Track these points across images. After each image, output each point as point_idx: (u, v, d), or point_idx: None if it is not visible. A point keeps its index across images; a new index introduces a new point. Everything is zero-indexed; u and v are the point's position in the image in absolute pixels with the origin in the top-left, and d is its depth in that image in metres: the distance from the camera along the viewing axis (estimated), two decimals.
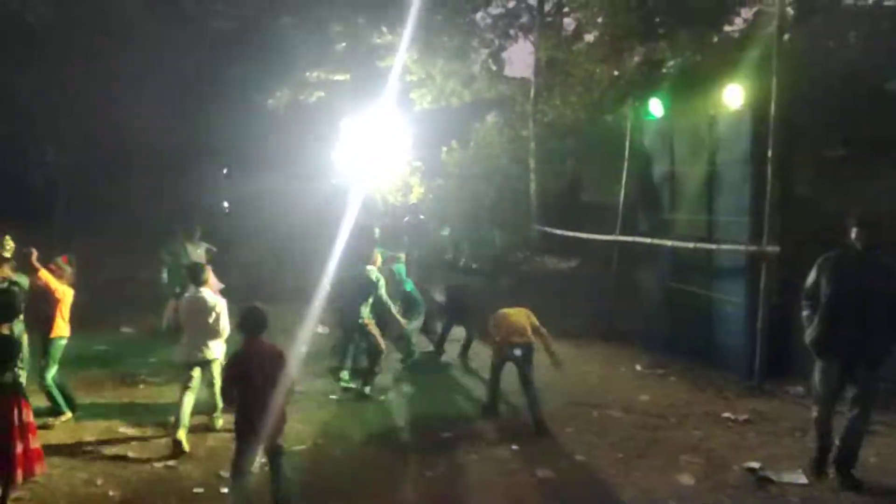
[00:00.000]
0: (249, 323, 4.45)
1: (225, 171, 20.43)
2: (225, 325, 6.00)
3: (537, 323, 6.61)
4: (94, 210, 17.17)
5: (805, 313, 5.18)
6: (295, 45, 14.71)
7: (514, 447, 5.82)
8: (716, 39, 11.55)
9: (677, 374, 8.10)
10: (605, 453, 5.72)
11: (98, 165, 17.65)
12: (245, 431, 4.34)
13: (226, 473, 5.17)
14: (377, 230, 8.24)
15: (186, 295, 6.21)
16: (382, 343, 7.32)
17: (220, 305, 6.01)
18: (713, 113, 8.40)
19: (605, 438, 6.06)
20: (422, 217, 13.19)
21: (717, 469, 5.34)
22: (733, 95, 7.98)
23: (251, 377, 4.32)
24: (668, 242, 8.85)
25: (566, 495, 4.92)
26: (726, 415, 6.59)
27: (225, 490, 4.91)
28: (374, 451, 5.79)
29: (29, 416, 4.60)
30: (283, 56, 14.82)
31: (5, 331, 4.54)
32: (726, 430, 6.26)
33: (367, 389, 7.17)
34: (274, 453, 4.46)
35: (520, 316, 6.61)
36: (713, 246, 8.13)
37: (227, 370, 4.57)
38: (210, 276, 6.50)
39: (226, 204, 20.72)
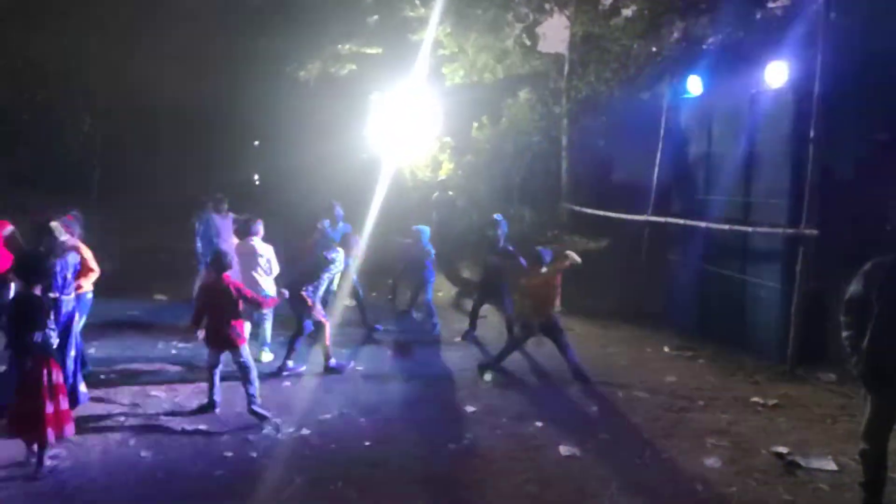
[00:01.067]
0: (217, 265, 5.82)
1: (256, 143, 20.59)
2: (275, 268, 7.37)
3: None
4: (127, 181, 17.49)
5: (846, 334, 4.19)
6: (327, 17, 14.63)
7: (539, 424, 5.82)
8: (759, 16, 11.18)
9: (706, 357, 8.00)
10: (630, 433, 5.70)
11: (132, 137, 17.92)
12: (210, 340, 5.85)
13: (254, 438, 5.30)
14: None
15: (238, 243, 7.52)
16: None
17: (269, 251, 7.34)
18: (754, 91, 8.17)
19: (630, 419, 6.03)
20: (450, 193, 13.14)
21: (744, 453, 5.28)
22: (776, 74, 7.77)
23: (216, 303, 5.73)
24: (703, 224, 8.68)
25: (591, 474, 4.90)
26: (756, 399, 6.50)
27: (254, 454, 5.02)
28: (398, 423, 5.83)
29: (59, 378, 4.69)
30: (315, 28, 14.76)
31: (36, 292, 4.64)
32: (755, 414, 6.18)
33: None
34: (235, 357, 5.76)
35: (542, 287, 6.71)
36: (749, 228, 7.96)
37: (198, 299, 6.00)
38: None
39: (256, 176, 20.92)
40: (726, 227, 8.25)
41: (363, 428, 5.68)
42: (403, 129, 13.69)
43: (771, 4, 11.10)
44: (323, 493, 4.49)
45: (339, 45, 14.79)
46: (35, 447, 4.55)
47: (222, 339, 5.76)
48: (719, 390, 6.84)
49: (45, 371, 4.55)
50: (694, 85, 9.14)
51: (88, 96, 17.12)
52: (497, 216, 8.78)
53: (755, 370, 7.42)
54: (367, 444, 5.35)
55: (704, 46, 9.88)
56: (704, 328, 8.71)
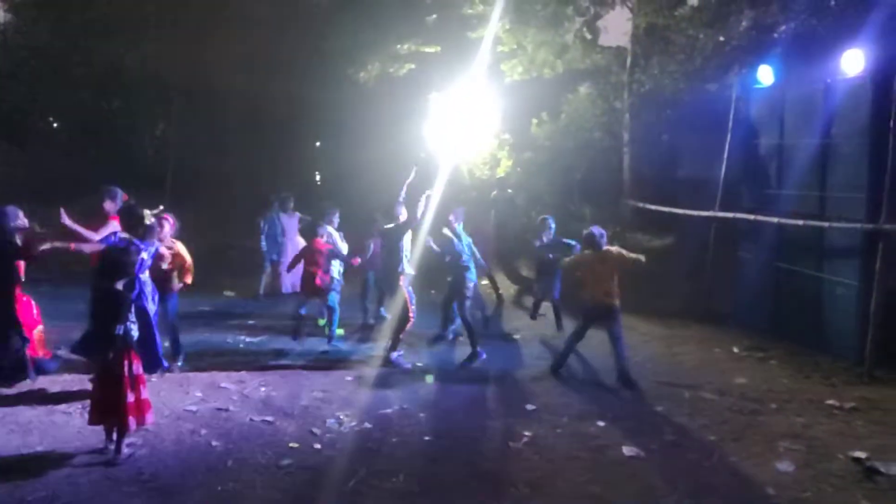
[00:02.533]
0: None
1: (318, 144, 21.01)
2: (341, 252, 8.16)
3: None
4: (197, 181, 18.17)
5: None
6: (386, 18, 14.78)
7: (601, 423, 5.73)
8: (833, 2, 10.65)
9: (778, 358, 7.69)
10: (696, 435, 5.53)
11: (202, 139, 18.61)
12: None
13: (318, 430, 5.42)
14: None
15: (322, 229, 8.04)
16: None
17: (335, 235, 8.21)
18: (829, 81, 7.80)
19: (697, 420, 5.85)
20: (509, 191, 13.06)
21: (819, 457, 5.05)
22: (853, 62, 7.39)
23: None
24: (775, 219, 8.34)
25: (656, 476, 4.79)
26: (831, 402, 6.21)
27: (318, 446, 5.13)
28: (457, 418, 5.85)
29: (139, 369, 4.91)
30: (375, 29, 14.93)
31: (119, 286, 4.86)
32: (831, 417, 5.91)
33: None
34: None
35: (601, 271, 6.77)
36: (825, 224, 7.61)
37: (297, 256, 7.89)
38: None
39: (317, 176, 21.37)
40: (800, 222, 7.91)
41: (423, 423, 5.72)
42: (461, 127, 13.68)
43: None
44: (385, 486, 4.55)
45: (398, 45, 14.91)
46: (115, 435, 4.78)
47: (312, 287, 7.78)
48: (792, 392, 6.56)
49: (126, 362, 4.77)
50: (765, 75, 8.79)
51: (162, 101, 17.88)
52: (547, 217, 8.69)
53: (831, 372, 7.11)
54: (427, 438, 5.39)
55: (775, 35, 9.47)
56: (776, 328, 8.38)
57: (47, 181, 14.45)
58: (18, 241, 5.96)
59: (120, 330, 4.73)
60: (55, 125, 22.05)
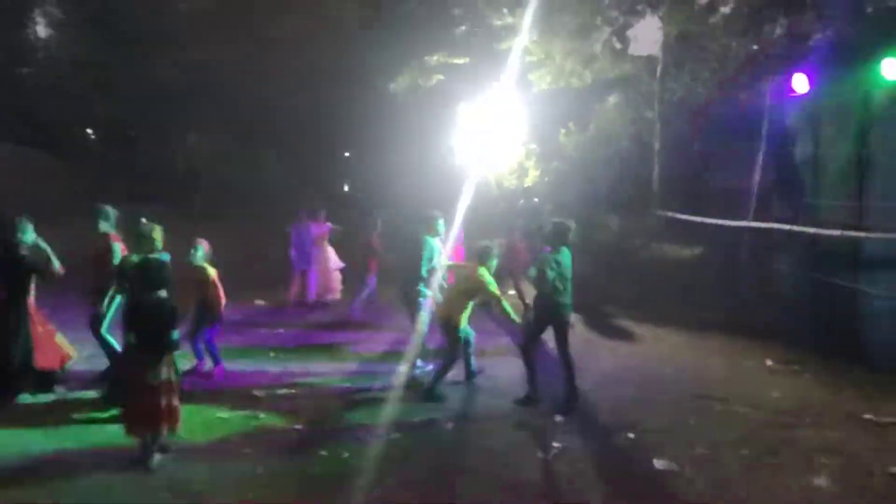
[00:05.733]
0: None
1: (347, 154, 21.27)
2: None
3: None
4: (227, 191, 18.51)
5: None
6: (416, 31, 14.94)
7: (631, 435, 5.65)
8: (870, 9, 10.44)
9: (813, 371, 7.51)
10: (729, 449, 5.42)
11: (232, 150, 18.97)
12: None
13: (346, 439, 5.43)
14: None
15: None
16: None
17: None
18: (867, 89, 7.64)
19: (729, 434, 5.73)
20: (536, 200, 13.05)
21: (857, 473, 4.92)
22: (891, 69, 7.22)
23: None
24: (810, 230, 8.18)
25: (688, 489, 4.71)
26: (869, 416, 6.05)
27: (346, 455, 5.15)
28: (485, 429, 5.81)
29: (175, 375, 5.01)
30: (405, 42, 15.10)
31: (162, 294, 4.97)
32: (868, 432, 5.75)
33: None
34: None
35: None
36: (863, 234, 7.43)
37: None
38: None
39: (346, 185, 21.61)
40: (837, 232, 7.74)
41: (451, 433, 5.72)
42: (489, 137, 13.71)
43: None
44: (414, 496, 4.55)
45: (428, 57, 15.04)
46: (149, 441, 4.86)
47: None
48: (828, 406, 6.40)
49: (164, 369, 4.86)
50: (799, 83, 8.64)
51: (195, 113, 18.28)
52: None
53: (867, 385, 6.91)
54: (455, 448, 5.38)
55: (810, 43, 9.31)
56: (812, 340, 8.19)
57: (84, 191, 14.84)
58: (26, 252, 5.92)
59: (175, 336, 4.84)
60: (92, 136, 22.70)
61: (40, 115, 19.09)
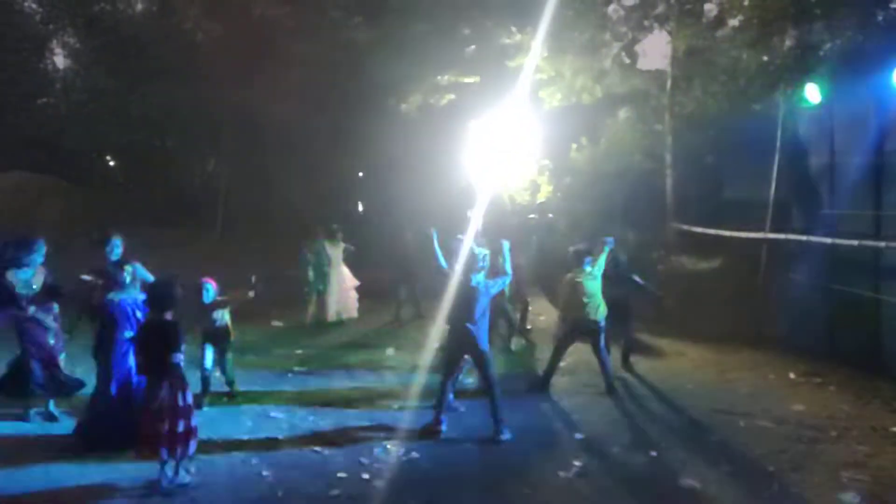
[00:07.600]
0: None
1: (360, 174, 21.42)
2: None
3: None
4: (244, 213, 18.70)
5: None
6: (426, 51, 15.07)
7: (653, 453, 5.59)
8: (881, 17, 10.38)
9: (836, 384, 7.40)
10: (754, 465, 5.35)
11: (248, 173, 19.19)
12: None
13: (366, 460, 5.43)
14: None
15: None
16: None
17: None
18: (880, 97, 7.60)
19: (754, 449, 5.66)
20: (550, 216, 13.04)
21: (886, 488, 4.84)
22: None
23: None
24: (828, 240, 8.10)
25: None
26: (895, 429, 5.95)
27: (366, 476, 5.14)
28: (506, 447, 5.78)
29: (189, 398, 5.01)
30: (416, 61, 15.23)
31: (169, 317, 5.00)
32: None
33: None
34: None
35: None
36: (882, 244, 7.35)
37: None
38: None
39: (360, 206, 21.74)
40: (855, 242, 7.66)
41: (471, 452, 5.69)
42: (501, 154, 13.77)
43: (894, 5, 10.26)
44: None
45: (438, 77, 15.15)
46: (168, 464, 4.88)
47: None
48: (854, 420, 6.30)
49: (179, 392, 4.89)
50: (812, 93, 8.62)
51: (212, 138, 18.54)
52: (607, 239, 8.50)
53: (893, 397, 6.81)
54: (476, 468, 5.35)
55: (821, 53, 9.29)
56: (834, 352, 8.08)
57: (104, 218, 15.04)
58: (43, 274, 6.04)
59: (177, 359, 4.86)
60: (112, 164, 23.08)
61: (61, 144, 19.48)
